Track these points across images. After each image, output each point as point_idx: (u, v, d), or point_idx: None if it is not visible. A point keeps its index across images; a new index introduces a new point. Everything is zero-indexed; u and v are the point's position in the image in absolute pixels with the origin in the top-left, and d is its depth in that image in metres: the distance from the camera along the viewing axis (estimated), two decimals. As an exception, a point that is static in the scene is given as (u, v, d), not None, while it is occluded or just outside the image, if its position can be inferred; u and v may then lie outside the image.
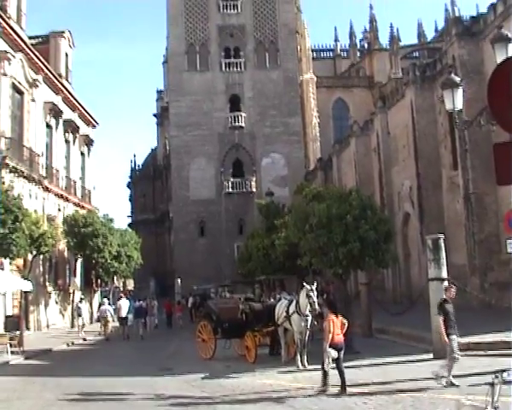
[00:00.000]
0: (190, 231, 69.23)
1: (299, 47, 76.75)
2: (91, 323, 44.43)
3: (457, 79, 18.29)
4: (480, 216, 33.96)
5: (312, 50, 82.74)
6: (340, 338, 14.64)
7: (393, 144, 47.87)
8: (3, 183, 28.91)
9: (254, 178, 70.21)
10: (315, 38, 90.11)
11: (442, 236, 20.05)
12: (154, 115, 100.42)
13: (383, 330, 27.03)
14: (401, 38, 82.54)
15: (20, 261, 31.90)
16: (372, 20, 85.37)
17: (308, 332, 19.47)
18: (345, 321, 15.30)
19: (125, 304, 36.10)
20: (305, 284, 19.49)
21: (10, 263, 30.63)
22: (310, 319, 19.21)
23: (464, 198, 35.07)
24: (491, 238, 33.44)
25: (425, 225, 39.90)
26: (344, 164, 59.68)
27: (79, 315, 37.00)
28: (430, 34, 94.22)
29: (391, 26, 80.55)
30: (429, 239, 19.91)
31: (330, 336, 14.36)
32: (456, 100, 17.67)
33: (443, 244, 19.44)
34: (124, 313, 35.49)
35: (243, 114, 70.98)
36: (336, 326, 14.62)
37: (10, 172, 32.27)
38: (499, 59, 12.59)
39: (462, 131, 29.77)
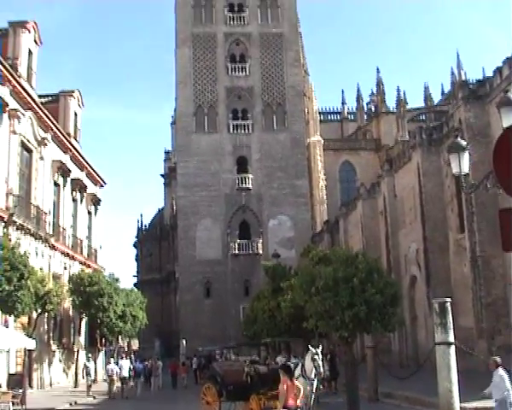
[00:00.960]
0: (196, 291, 68.95)
1: (306, 109, 77.39)
2: (95, 382, 43.98)
3: (464, 143, 18.30)
4: (487, 279, 33.76)
5: (320, 113, 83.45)
6: (292, 403, 14.32)
7: (400, 207, 47.88)
8: (10, 240, 28.88)
9: (261, 240, 70.09)
10: (322, 101, 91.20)
11: (449, 299, 19.84)
12: (162, 176, 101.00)
13: (389, 395, 26.67)
14: (408, 100, 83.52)
15: (24, 319, 31.69)
16: (379, 84, 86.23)
17: (313, 396, 19.19)
18: (300, 387, 15.09)
19: (125, 364, 36.28)
20: (310, 347, 19.28)
21: (15, 320, 30.43)
22: (315, 382, 18.96)
23: (471, 261, 34.91)
24: (499, 301, 33.22)
25: (432, 288, 39.66)
26: (351, 226, 59.68)
27: (88, 374, 36.63)
28: (437, 97, 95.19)
29: (398, 90, 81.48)
30: (436, 303, 19.69)
31: (283, 399, 14.08)
32: (463, 164, 17.65)
33: (450, 308, 19.24)
34: (125, 373, 35.63)
35: (250, 176, 71.21)
36: (291, 390, 14.33)
37: (17, 229, 32.30)
38: (505, 123, 12.59)
39: (468, 194, 29.73)
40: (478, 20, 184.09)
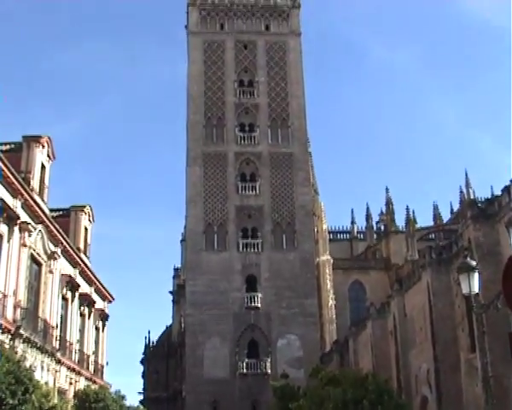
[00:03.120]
0: (203, 411, 67.63)
1: (316, 229, 77.72)
2: None
3: (473, 263, 18.33)
4: (499, 399, 32.99)
5: (329, 232, 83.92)
6: None
7: (410, 327, 47.43)
8: (16, 352, 28.58)
9: (269, 360, 69.07)
10: (332, 220, 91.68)
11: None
12: (170, 292, 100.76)
13: None
14: (417, 219, 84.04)
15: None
16: (388, 203, 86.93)
17: None
18: None
19: None
20: None
21: (18, 434, 29.75)
22: None
23: (483, 381, 34.21)
24: (512, 422, 32.46)
25: (443, 408, 38.83)
26: (360, 346, 58.98)
27: None
28: (446, 216, 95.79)
29: (407, 209, 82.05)
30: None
31: None
32: (473, 284, 17.67)
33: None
34: None
35: (259, 295, 70.85)
36: None
37: (24, 342, 32.00)
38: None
39: (479, 314, 29.43)
40: (486, 139, 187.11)
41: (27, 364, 28.56)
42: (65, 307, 41.69)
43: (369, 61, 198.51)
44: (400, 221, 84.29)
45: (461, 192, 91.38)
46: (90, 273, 46.89)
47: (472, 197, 75.87)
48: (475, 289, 17.76)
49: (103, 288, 50.69)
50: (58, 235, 38.89)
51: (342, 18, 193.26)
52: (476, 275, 17.87)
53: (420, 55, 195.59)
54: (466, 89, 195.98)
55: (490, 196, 48.27)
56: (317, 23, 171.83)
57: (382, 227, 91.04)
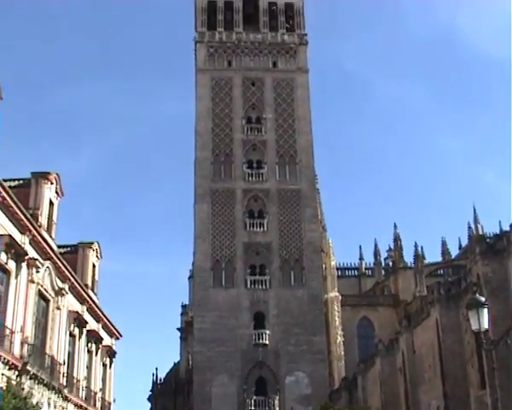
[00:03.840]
0: (211, 450, 67.11)
1: (324, 265, 77.56)
2: None
3: (482, 299, 18.26)
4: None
5: (337, 268, 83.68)
6: None
7: (419, 363, 47.12)
8: (23, 389, 28.46)
9: (278, 397, 68.54)
10: (340, 256, 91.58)
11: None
12: (178, 329, 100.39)
13: None
14: (425, 255, 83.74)
15: None
16: (396, 239, 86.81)
17: None
18: None
19: None
20: None
21: None
22: None
23: (494, 418, 33.95)
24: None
25: (454, 447, 38.46)
26: (369, 383, 58.56)
27: None
28: (454, 251, 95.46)
29: (415, 245, 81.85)
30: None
31: None
32: (482, 320, 17.59)
33: None
34: None
35: (267, 332, 70.56)
36: None
37: (31, 378, 31.85)
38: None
39: (489, 350, 29.27)
40: (493, 173, 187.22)
41: (34, 400, 28.49)
42: (72, 344, 41.53)
43: (375, 96, 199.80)
44: (409, 257, 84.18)
45: (469, 227, 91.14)
46: (97, 310, 46.76)
47: (480, 233, 75.71)
48: (485, 325, 17.67)
49: (111, 324, 50.52)
50: (66, 271, 38.86)
51: (349, 54, 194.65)
52: (485, 311, 17.80)
53: (426, 90, 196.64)
54: (473, 124, 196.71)
55: (498, 232, 48.31)
56: (324, 59, 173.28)
57: (391, 263, 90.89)
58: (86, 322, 43.45)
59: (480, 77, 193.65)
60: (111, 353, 51.04)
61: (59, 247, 40.63)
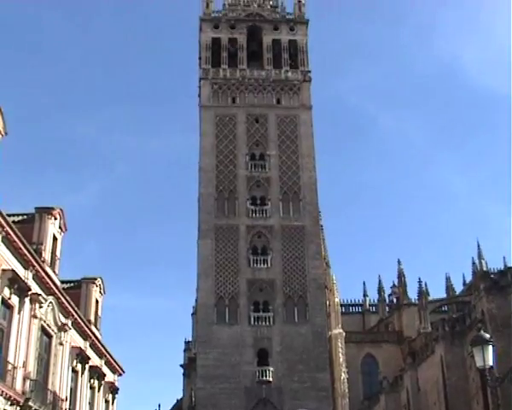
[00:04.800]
0: None
1: (328, 302, 77.25)
2: None
3: (487, 336, 18.18)
4: None
5: (341, 305, 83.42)
6: None
7: (424, 401, 46.85)
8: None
9: (282, 435, 68.03)
10: (344, 293, 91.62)
11: None
12: (181, 366, 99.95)
13: None
14: (430, 291, 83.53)
15: None
16: (400, 275, 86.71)
17: None
18: None
19: None
20: None
21: None
22: None
23: (500, 455, 33.55)
24: None
25: None
26: (374, 421, 58.09)
27: None
28: (458, 287, 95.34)
29: (419, 281, 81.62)
30: None
31: None
32: (487, 357, 17.53)
33: None
34: None
35: (271, 369, 70.07)
36: None
37: (32, 414, 31.72)
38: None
39: (494, 387, 29.06)
40: (497, 209, 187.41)
41: (36, 437, 28.28)
42: (75, 380, 41.33)
43: (378, 131, 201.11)
44: (413, 293, 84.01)
45: (473, 263, 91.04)
46: (100, 346, 46.60)
47: (484, 268, 75.56)
48: (490, 362, 17.60)
49: (113, 360, 50.32)
50: (69, 307, 38.80)
51: (351, 90, 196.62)
52: (490, 348, 17.73)
53: (429, 126, 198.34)
54: (476, 159, 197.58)
55: (502, 267, 48.13)
56: (327, 95, 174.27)
57: (395, 300, 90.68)
58: (89, 358, 43.30)
59: (483, 112, 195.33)
60: (113, 389, 50.78)
61: (62, 282, 40.59)
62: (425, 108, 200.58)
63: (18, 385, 30.64)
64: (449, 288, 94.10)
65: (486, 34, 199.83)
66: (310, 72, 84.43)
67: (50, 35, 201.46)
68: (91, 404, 44.86)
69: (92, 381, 44.69)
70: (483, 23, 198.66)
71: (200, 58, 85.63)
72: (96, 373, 45.27)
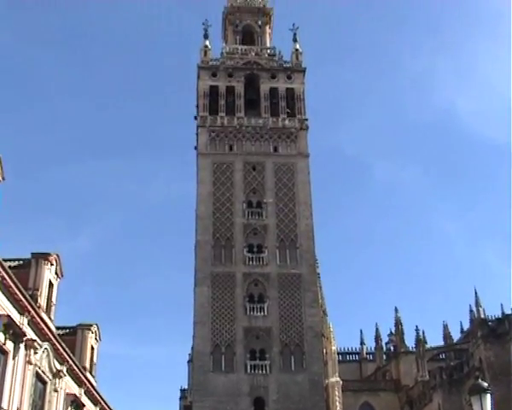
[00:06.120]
0: None
1: (324, 350, 76.80)
2: None
3: (485, 385, 18.13)
4: None
5: (338, 353, 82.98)
6: None
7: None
8: None
9: None
10: (341, 341, 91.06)
11: None
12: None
13: None
14: (427, 339, 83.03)
15: None
16: (397, 323, 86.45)
17: None
18: None
19: None
20: None
21: None
22: None
23: None
24: None
25: None
26: None
27: None
28: (456, 335, 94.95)
29: (416, 329, 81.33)
30: None
31: None
32: (485, 405, 17.49)
33: None
34: None
35: (267, 418, 69.51)
36: None
37: None
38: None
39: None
40: (493, 255, 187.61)
41: None
42: (69, 427, 40.96)
43: (375, 179, 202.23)
44: (410, 341, 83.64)
45: (471, 311, 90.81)
46: (95, 393, 46.22)
47: (482, 316, 75.14)
48: (488, 410, 17.53)
49: (109, 408, 49.83)
50: (64, 353, 38.59)
51: (348, 138, 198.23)
52: (488, 397, 17.68)
53: (425, 173, 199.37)
54: (472, 206, 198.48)
55: (500, 315, 48.00)
56: (324, 143, 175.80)
57: (392, 348, 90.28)
58: (84, 405, 42.97)
59: (479, 160, 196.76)
60: (108, 436, 50.26)
61: (58, 328, 40.45)
62: (421, 156, 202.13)
63: (12, 432, 30.38)
64: (446, 335, 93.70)
65: (483, 82, 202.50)
66: (307, 120, 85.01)
67: (48, 82, 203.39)
68: (86, 451, 44.40)
69: (87, 429, 44.27)
70: (480, 71, 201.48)
71: (197, 106, 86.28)
72: (91, 421, 44.89)
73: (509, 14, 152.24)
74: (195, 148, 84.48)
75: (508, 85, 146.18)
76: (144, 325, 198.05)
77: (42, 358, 35.29)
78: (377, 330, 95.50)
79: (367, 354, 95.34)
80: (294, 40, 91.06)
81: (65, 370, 38.95)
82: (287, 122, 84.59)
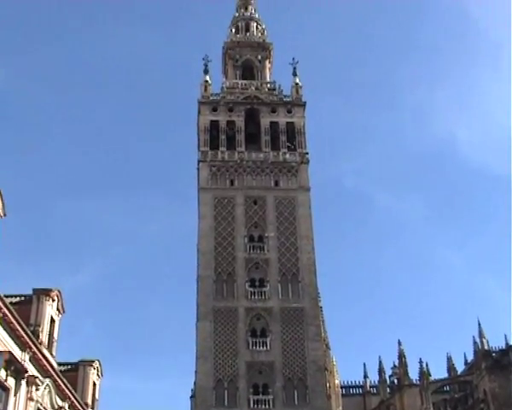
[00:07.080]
0: None
1: (328, 384, 76.30)
2: None
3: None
4: None
5: (342, 387, 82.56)
6: None
7: None
8: None
9: None
10: (344, 375, 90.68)
11: None
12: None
13: None
14: (431, 371, 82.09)
15: None
16: (401, 356, 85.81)
17: None
18: None
19: None
20: None
21: None
22: None
23: None
24: None
25: None
26: None
27: None
28: (460, 367, 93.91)
29: (420, 361, 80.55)
30: None
31: None
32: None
33: None
34: None
35: (270, 455, 69.00)
36: None
37: None
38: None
39: None
40: (496, 286, 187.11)
41: None
42: None
43: (375, 211, 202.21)
44: (414, 374, 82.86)
45: (474, 342, 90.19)
46: (97, 430, 46.05)
47: (486, 347, 74.70)
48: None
49: (110, 445, 49.64)
50: (66, 390, 38.49)
51: (348, 170, 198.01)
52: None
53: (425, 203, 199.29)
54: (473, 236, 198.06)
55: (504, 345, 47.74)
56: (325, 176, 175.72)
57: (396, 381, 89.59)
58: (85, 442, 42.70)
59: (480, 190, 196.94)
60: None
61: (59, 364, 40.35)
62: (422, 186, 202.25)
63: None
64: (450, 368, 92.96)
65: (483, 112, 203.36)
66: (307, 153, 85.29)
67: (48, 121, 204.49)
68: None
69: None
70: (480, 101, 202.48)
71: (198, 141, 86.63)
72: (93, 458, 44.59)
73: (508, 44, 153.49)
74: (197, 183, 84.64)
75: (508, 116, 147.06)
76: (146, 359, 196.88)
77: (43, 394, 35.16)
78: (380, 363, 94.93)
79: (370, 387, 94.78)
80: (294, 74, 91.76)
81: (67, 406, 38.83)
82: (287, 156, 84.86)
